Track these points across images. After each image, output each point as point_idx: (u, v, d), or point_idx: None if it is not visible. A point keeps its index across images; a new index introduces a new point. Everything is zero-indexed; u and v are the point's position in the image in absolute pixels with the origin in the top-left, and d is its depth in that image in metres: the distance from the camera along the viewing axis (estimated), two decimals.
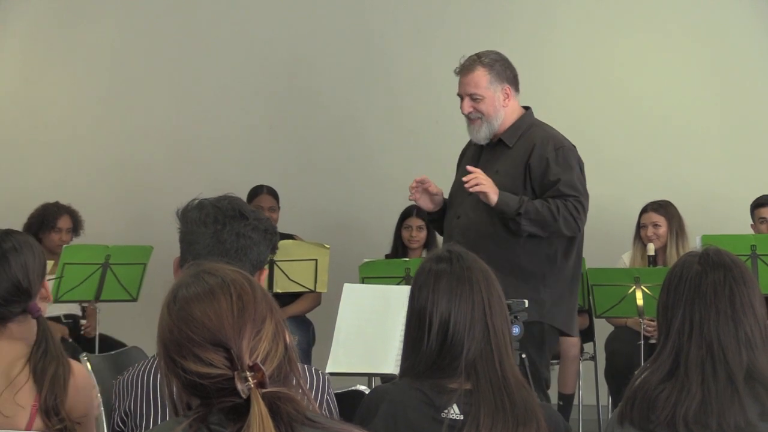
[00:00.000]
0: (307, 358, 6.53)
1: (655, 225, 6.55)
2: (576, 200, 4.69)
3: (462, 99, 4.84)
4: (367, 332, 4.15)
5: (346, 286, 4.35)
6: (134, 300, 6.32)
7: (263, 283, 2.67)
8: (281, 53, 7.90)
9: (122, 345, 6.08)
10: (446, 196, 4.96)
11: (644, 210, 6.63)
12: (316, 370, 2.64)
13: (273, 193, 7.08)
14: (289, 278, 6.13)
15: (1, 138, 8.06)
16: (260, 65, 7.93)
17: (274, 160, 7.83)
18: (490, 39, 7.29)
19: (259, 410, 1.76)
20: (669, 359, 2.67)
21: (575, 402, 6.60)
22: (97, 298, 6.23)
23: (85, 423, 2.87)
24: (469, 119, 4.83)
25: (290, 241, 6.39)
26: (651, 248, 6.40)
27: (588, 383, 6.72)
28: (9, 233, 2.97)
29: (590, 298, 6.12)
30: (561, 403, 6.52)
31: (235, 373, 1.79)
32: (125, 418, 2.61)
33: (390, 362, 4.03)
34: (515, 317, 3.68)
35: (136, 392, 2.60)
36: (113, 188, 7.96)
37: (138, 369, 2.63)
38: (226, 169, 7.79)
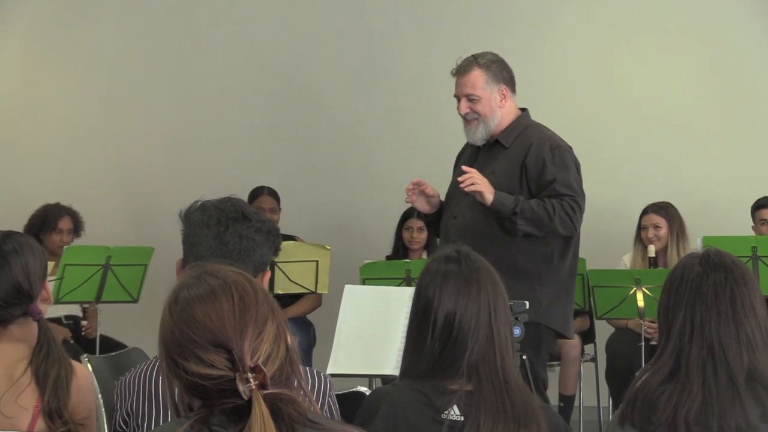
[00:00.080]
0: (307, 359, 6.53)
1: (656, 226, 6.55)
2: (572, 200, 4.69)
3: (459, 100, 4.85)
4: (368, 333, 4.15)
5: (347, 288, 4.35)
6: (135, 301, 6.32)
7: (266, 285, 2.67)
8: (281, 53, 7.90)
9: (123, 346, 6.08)
10: (443, 198, 4.97)
11: (645, 211, 6.63)
12: (318, 372, 2.65)
13: (274, 195, 7.08)
14: (289, 279, 6.13)
15: (1, 139, 8.06)
16: (260, 65, 7.93)
17: (275, 160, 7.83)
18: (490, 39, 7.31)
19: (260, 411, 1.76)
20: (670, 361, 2.67)
21: (576, 403, 6.60)
22: (98, 300, 6.23)
23: (88, 424, 2.87)
24: (466, 120, 4.85)
25: (291, 242, 6.39)
26: (651, 250, 6.40)
27: (589, 385, 6.72)
28: (10, 235, 2.97)
29: (591, 299, 6.12)
30: (562, 404, 6.52)
31: (237, 374, 1.79)
32: (127, 418, 2.62)
33: (391, 363, 4.04)
34: (516, 318, 3.69)
35: (138, 393, 2.61)
36: (114, 189, 7.96)
37: (140, 370, 2.64)
38: (227, 169, 7.80)
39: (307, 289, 6.25)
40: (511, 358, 2.65)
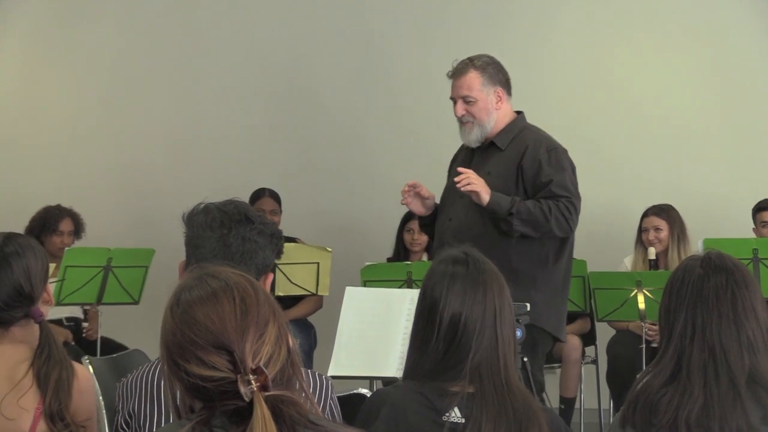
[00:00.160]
0: (308, 361, 6.53)
1: (657, 229, 6.55)
2: (568, 201, 4.70)
3: (455, 102, 4.86)
4: (369, 335, 4.15)
5: (348, 290, 4.35)
6: (136, 303, 6.32)
7: (269, 287, 2.67)
8: (281, 53, 7.89)
9: (124, 348, 6.09)
10: (438, 200, 4.97)
11: (646, 214, 6.63)
12: (320, 375, 2.65)
13: (275, 196, 7.09)
14: (291, 281, 6.13)
15: (1, 139, 8.06)
16: (260, 65, 7.93)
17: (275, 161, 7.83)
18: (490, 39, 7.32)
19: (261, 413, 1.76)
20: (671, 363, 2.67)
21: (577, 406, 6.59)
22: (99, 301, 6.23)
23: (89, 426, 2.87)
24: (461, 122, 4.86)
25: (292, 244, 6.39)
26: (652, 252, 6.40)
27: (590, 387, 6.72)
28: (11, 236, 2.97)
29: (592, 301, 6.12)
30: (563, 406, 6.51)
31: (238, 376, 1.79)
32: (129, 420, 2.62)
33: (392, 365, 4.04)
34: (517, 320, 3.69)
35: (140, 394, 2.61)
36: (114, 190, 7.96)
37: (142, 371, 2.64)
38: (227, 170, 7.80)
39: (308, 291, 6.25)
40: (513, 361, 2.65)
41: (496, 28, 7.61)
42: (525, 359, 4.14)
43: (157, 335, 1.89)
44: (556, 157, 4.75)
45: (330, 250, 6.25)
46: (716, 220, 7.05)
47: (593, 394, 6.71)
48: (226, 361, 1.80)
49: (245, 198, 6.64)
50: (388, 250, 6.98)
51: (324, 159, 7.87)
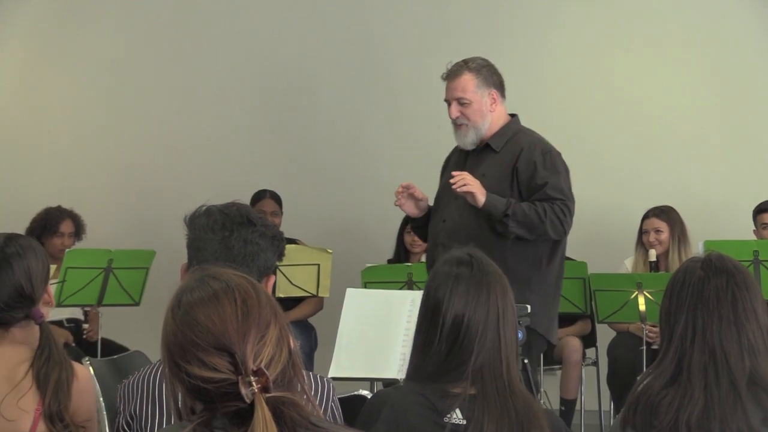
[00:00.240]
0: (309, 362, 6.53)
1: (657, 231, 6.55)
2: (563, 203, 4.71)
3: (449, 104, 4.88)
4: (370, 337, 4.15)
5: (349, 291, 4.35)
6: (137, 304, 6.32)
7: (270, 289, 2.67)
8: (281, 53, 7.89)
9: (125, 349, 6.09)
10: (431, 203, 4.97)
11: (646, 215, 6.63)
12: (321, 377, 2.64)
13: (276, 198, 7.09)
14: (291, 283, 6.13)
15: (2, 141, 8.06)
16: (260, 66, 7.92)
17: (275, 162, 7.82)
18: (491, 39, 7.33)
19: (262, 415, 1.76)
20: (672, 365, 2.67)
21: (577, 407, 6.59)
22: (100, 303, 6.23)
23: (89, 426, 2.87)
24: (456, 125, 4.87)
25: (293, 245, 6.39)
26: (653, 254, 6.40)
27: (590, 389, 6.71)
28: (12, 237, 2.97)
29: (592, 303, 6.12)
30: (563, 408, 6.51)
31: (239, 377, 1.79)
32: (130, 421, 2.62)
33: (392, 367, 4.04)
34: (518, 322, 3.69)
35: (142, 396, 2.61)
36: (115, 192, 7.96)
37: (143, 373, 2.64)
38: (228, 172, 7.80)
39: (308, 292, 6.26)
40: (515, 363, 2.65)
41: (496, 29, 7.61)
42: (525, 361, 4.14)
43: (157, 337, 1.89)
44: (551, 159, 4.77)
45: (330, 251, 6.25)
46: (717, 221, 7.05)
47: (594, 395, 6.71)
48: (227, 362, 1.80)
49: (246, 200, 6.64)
50: (389, 251, 6.98)
51: (324, 160, 7.86)
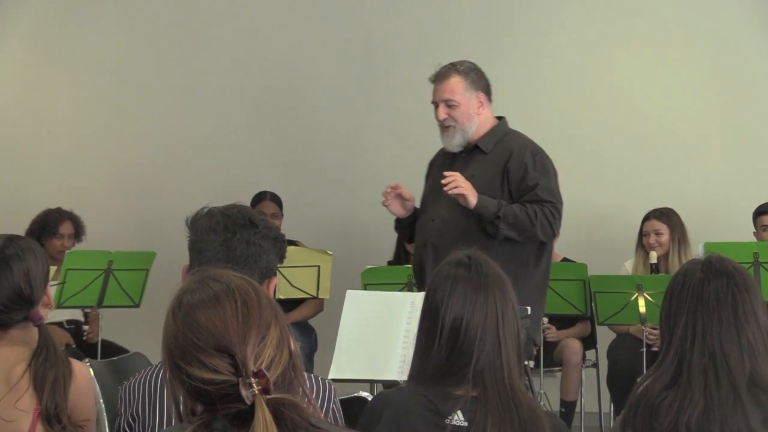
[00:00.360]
0: (309, 364, 6.53)
1: (657, 233, 6.55)
2: (552, 206, 4.74)
3: (436, 106, 4.89)
4: (370, 339, 4.15)
5: (349, 293, 4.35)
6: (137, 306, 6.32)
7: (272, 291, 2.67)
8: (281, 54, 7.88)
9: (125, 351, 6.09)
10: (417, 205, 4.98)
11: (646, 217, 6.63)
12: (322, 379, 2.64)
13: (276, 200, 7.09)
14: (291, 284, 6.13)
15: (2, 141, 8.06)
16: (260, 66, 7.92)
17: (276, 163, 7.82)
18: (491, 39, 7.33)
19: (263, 416, 1.76)
20: (672, 366, 2.67)
21: (577, 409, 6.59)
22: (100, 304, 6.23)
23: (87, 426, 2.87)
24: (443, 127, 4.88)
25: (293, 247, 6.39)
26: (653, 256, 6.40)
27: (590, 390, 6.71)
28: (12, 239, 2.97)
29: (592, 305, 6.12)
30: (563, 410, 6.51)
31: (240, 379, 1.79)
32: (132, 422, 2.62)
33: (392, 368, 4.03)
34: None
35: (143, 397, 2.61)
36: (115, 192, 7.96)
37: (144, 374, 2.64)
38: (228, 173, 7.80)
39: (308, 294, 6.26)
40: (517, 366, 2.64)
41: (496, 29, 7.61)
42: (525, 362, 4.13)
43: (158, 338, 1.89)
44: (541, 161, 4.80)
45: (331, 253, 6.25)
46: (717, 223, 7.05)
47: (594, 397, 6.71)
48: (228, 364, 1.80)
49: (246, 200, 6.64)
50: (389, 253, 6.97)
51: (324, 160, 7.86)
